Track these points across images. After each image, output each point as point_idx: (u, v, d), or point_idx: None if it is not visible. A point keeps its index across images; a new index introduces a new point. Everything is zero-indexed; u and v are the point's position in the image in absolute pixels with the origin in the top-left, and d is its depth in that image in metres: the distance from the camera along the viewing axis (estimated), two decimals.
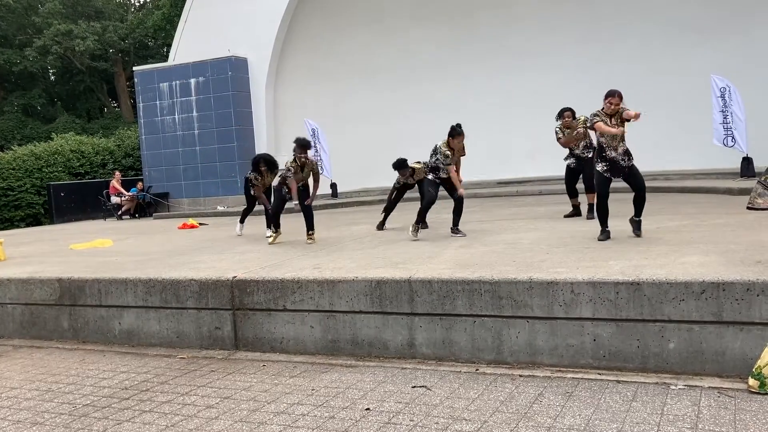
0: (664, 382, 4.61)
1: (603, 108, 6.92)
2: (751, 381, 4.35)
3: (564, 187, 10.32)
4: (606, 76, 17.93)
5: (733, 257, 5.45)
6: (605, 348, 4.96)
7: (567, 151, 10.14)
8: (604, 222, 7.13)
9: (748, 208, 5.28)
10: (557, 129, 9.81)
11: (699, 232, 7.20)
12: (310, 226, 9.02)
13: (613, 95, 6.81)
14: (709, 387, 4.46)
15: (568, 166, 10.02)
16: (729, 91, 14.66)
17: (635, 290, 4.87)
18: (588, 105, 10.21)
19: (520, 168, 19.18)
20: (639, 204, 7.05)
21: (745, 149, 14.60)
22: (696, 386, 4.49)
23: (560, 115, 9.81)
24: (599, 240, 6.97)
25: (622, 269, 5.25)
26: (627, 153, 6.96)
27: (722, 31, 17.51)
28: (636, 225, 7.09)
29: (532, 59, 19.57)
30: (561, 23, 19.33)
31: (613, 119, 6.87)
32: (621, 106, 6.85)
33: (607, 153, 6.94)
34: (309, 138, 14.71)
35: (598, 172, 7.07)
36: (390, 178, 10.32)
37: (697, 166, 16.63)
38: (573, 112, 9.78)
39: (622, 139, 6.94)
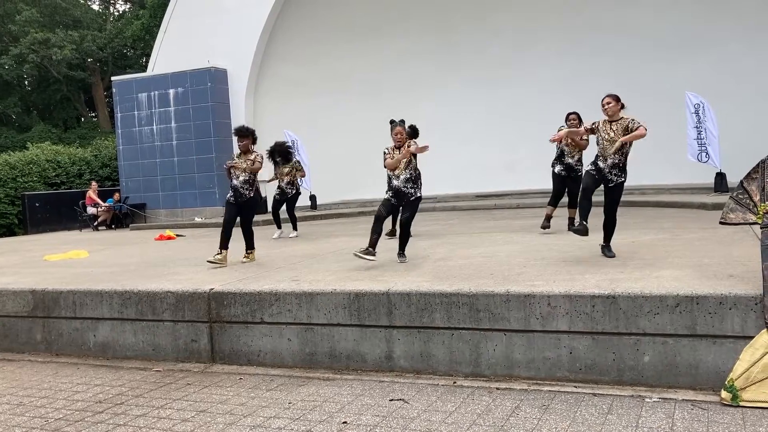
0: (639, 395, 4.65)
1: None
2: (724, 393, 4.42)
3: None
4: (582, 91, 18.16)
5: (706, 271, 5.54)
6: (581, 361, 5.00)
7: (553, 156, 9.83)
8: (583, 215, 6.69)
9: (721, 222, 5.36)
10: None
11: (673, 246, 7.30)
12: (248, 245, 8.49)
13: (606, 97, 6.60)
14: (683, 399, 4.52)
15: (558, 174, 9.57)
16: (703, 107, 14.95)
17: (611, 303, 4.92)
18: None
19: (499, 181, 19.34)
20: (606, 228, 6.80)
21: (719, 165, 14.87)
22: (670, 399, 4.54)
23: (566, 119, 9.52)
24: (571, 229, 6.63)
25: (597, 282, 5.31)
26: (616, 167, 6.63)
27: (696, 49, 17.88)
28: (604, 249, 6.81)
29: (510, 73, 19.82)
30: (539, 38, 19.61)
31: (613, 126, 6.60)
32: (622, 113, 6.55)
33: (599, 162, 6.72)
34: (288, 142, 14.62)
35: (586, 171, 6.81)
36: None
37: (672, 181, 16.92)
38: (578, 116, 9.39)
39: (617, 151, 6.56)
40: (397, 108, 20.20)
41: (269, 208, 13.75)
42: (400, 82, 20.42)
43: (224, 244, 8.14)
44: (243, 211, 8.44)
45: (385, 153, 7.44)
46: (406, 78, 20.44)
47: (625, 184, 6.82)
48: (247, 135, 8.42)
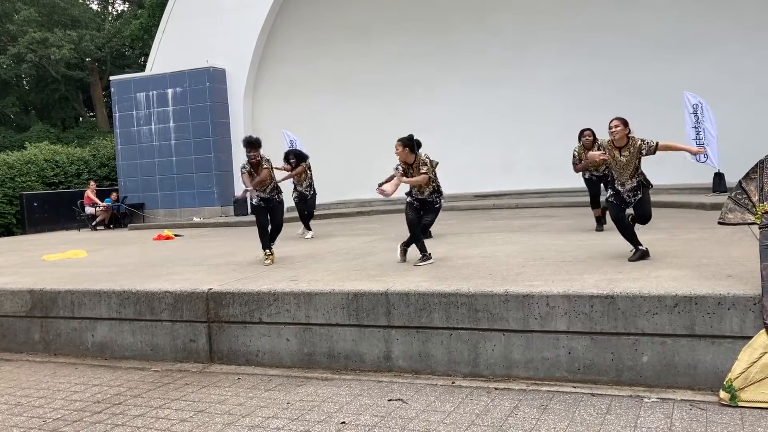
0: (638, 395, 4.65)
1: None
2: (722, 394, 4.42)
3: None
4: (582, 91, 18.23)
5: (705, 271, 5.54)
6: (580, 361, 5.00)
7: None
8: (632, 242, 6.54)
9: (720, 223, 5.37)
10: (576, 152, 9.26)
11: (672, 246, 7.30)
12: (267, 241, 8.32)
13: (613, 120, 6.32)
14: (682, 400, 4.52)
15: (590, 179, 9.53)
16: (701, 107, 14.95)
17: (609, 303, 4.92)
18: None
19: (498, 181, 19.33)
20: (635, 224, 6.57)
21: (717, 165, 14.87)
22: (669, 399, 4.54)
23: (580, 135, 9.25)
24: (629, 260, 6.34)
25: (596, 283, 5.31)
26: (635, 190, 6.44)
27: (696, 49, 17.88)
28: (640, 254, 6.44)
29: (510, 74, 19.80)
30: (539, 38, 19.59)
31: (623, 151, 6.32)
32: (632, 135, 6.28)
33: (617, 186, 6.52)
34: (289, 144, 14.50)
35: (609, 201, 6.62)
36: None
37: (670, 181, 16.89)
38: (593, 132, 9.11)
39: (633, 175, 6.38)
40: (397, 108, 20.30)
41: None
42: (399, 82, 20.39)
43: (267, 245, 8.24)
44: (274, 214, 8.50)
45: (396, 169, 7.42)
46: (406, 78, 20.41)
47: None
48: (259, 146, 8.26)
